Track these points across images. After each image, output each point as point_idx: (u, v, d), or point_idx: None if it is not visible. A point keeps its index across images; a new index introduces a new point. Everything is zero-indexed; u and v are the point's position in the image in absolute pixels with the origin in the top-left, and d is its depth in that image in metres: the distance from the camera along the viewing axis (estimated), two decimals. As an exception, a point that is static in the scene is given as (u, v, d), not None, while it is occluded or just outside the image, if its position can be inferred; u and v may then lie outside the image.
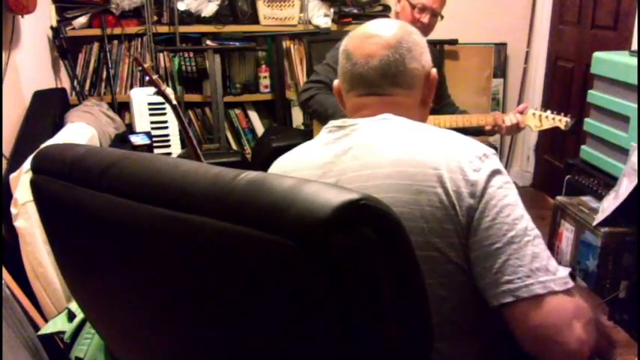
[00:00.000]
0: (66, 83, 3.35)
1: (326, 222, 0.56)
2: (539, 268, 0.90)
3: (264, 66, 3.51)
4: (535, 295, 0.89)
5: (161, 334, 0.79)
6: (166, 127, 3.18)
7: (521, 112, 2.32)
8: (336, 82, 1.19)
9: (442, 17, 2.42)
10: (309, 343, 0.63)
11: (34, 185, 0.87)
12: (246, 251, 0.61)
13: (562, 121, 2.31)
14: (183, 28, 3.37)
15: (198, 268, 0.67)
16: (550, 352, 0.91)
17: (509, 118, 2.31)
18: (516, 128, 2.33)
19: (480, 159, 0.96)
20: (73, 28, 3.29)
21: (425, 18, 2.35)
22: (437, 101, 2.57)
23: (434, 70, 1.15)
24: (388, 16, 3.03)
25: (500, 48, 3.79)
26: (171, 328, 0.76)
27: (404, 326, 0.66)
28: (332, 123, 1.09)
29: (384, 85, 1.09)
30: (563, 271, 0.93)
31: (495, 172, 0.96)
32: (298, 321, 0.62)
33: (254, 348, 0.67)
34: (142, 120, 3.12)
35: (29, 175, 0.89)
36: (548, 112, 2.34)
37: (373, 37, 1.10)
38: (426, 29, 2.41)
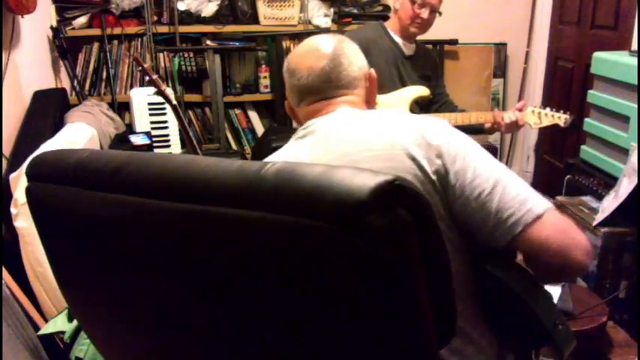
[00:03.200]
0: (66, 83, 3.35)
1: (365, 203, 0.57)
2: (527, 195, 1.01)
3: (264, 66, 3.51)
4: (537, 216, 0.99)
5: (187, 334, 0.77)
6: (166, 127, 3.18)
7: (521, 110, 2.33)
8: (286, 102, 1.29)
9: (440, 14, 2.43)
10: (349, 324, 0.64)
11: (30, 193, 0.83)
12: (282, 238, 0.62)
13: (561, 119, 2.31)
14: (183, 28, 3.37)
15: (230, 260, 0.67)
16: (572, 257, 1.00)
17: (509, 116, 2.31)
18: (516, 126, 2.34)
19: (436, 126, 1.06)
20: (73, 28, 3.29)
21: (425, 13, 2.37)
22: (434, 101, 2.58)
23: (372, 71, 1.25)
24: (388, 17, 3.03)
25: (500, 48, 3.79)
26: (202, 324, 0.75)
27: (436, 306, 0.67)
28: (300, 128, 1.17)
29: (330, 90, 1.19)
30: None
31: (454, 133, 1.06)
32: (338, 304, 0.63)
33: (292, 334, 0.67)
34: (142, 120, 3.12)
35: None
36: (547, 109, 2.34)
37: (311, 51, 1.22)
38: (425, 25, 2.43)
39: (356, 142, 1.05)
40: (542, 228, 0.99)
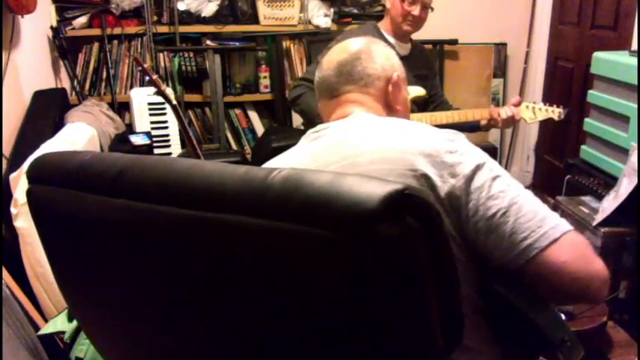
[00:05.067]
0: (66, 83, 3.34)
1: (374, 212, 0.57)
2: (544, 216, 0.96)
3: (264, 66, 3.51)
4: (553, 240, 0.95)
5: (191, 339, 0.77)
6: (166, 127, 3.18)
7: (516, 105, 2.35)
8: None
9: (432, 9, 2.43)
10: (357, 332, 0.63)
11: (31, 195, 0.82)
12: (288, 247, 0.61)
13: (555, 112, 2.34)
14: (183, 28, 3.37)
15: (236, 267, 0.66)
16: (590, 284, 0.96)
17: (505, 111, 2.33)
18: (512, 121, 2.36)
19: (452, 141, 1.01)
20: (73, 28, 3.29)
21: (415, 10, 2.37)
22: (431, 100, 2.58)
23: (395, 75, 1.20)
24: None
25: (500, 48, 3.79)
26: (206, 332, 0.74)
27: (443, 313, 0.67)
28: (310, 131, 1.14)
29: (340, 84, 1.17)
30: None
31: (470, 150, 1.00)
32: (346, 312, 0.63)
33: (299, 341, 0.67)
34: (142, 120, 3.12)
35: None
36: (541, 103, 2.37)
37: (339, 47, 1.22)
38: (417, 22, 2.42)
39: (365, 154, 1.00)
40: (559, 252, 0.94)
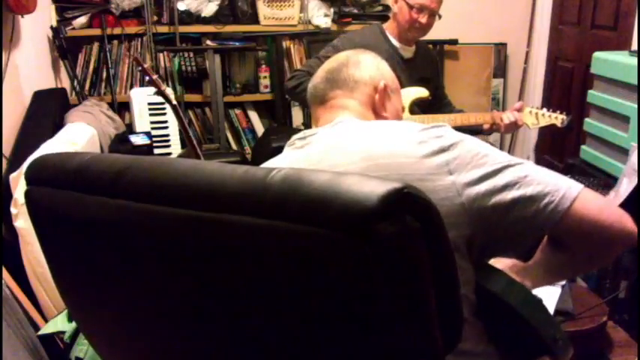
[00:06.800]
0: (66, 83, 3.35)
1: (373, 211, 0.57)
2: (556, 180, 0.99)
3: (264, 66, 3.51)
4: (574, 199, 0.97)
5: (191, 340, 0.77)
6: (166, 127, 3.19)
7: (519, 110, 2.33)
8: None
9: (440, 17, 2.42)
10: (356, 331, 0.64)
11: (30, 197, 0.82)
12: (289, 246, 0.61)
13: (558, 119, 2.32)
14: (183, 28, 3.37)
15: (235, 267, 0.66)
16: (627, 225, 0.99)
17: (508, 116, 2.32)
18: (514, 126, 2.35)
19: (440, 137, 0.99)
20: (73, 28, 3.29)
21: (423, 18, 2.35)
22: (434, 102, 2.58)
23: (382, 83, 1.20)
24: (388, 17, 3.02)
25: (500, 48, 3.79)
26: (206, 333, 0.74)
27: (442, 312, 0.67)
28: (294, 137, 1.13)
29: (326, 90, 1.20)
30: None
31: (460, 142, 0.99)
32: (345, 311, 0.63)
33: (298, 340, 0.67)
34: (142, 120, 3.12)
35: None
36: (544, 109, 2.35)
37: (331, 59, 1.26)
38: (424, 29, 2.42)
39: (357, 162, 0.98)
40: (584, 207, 0.97)
